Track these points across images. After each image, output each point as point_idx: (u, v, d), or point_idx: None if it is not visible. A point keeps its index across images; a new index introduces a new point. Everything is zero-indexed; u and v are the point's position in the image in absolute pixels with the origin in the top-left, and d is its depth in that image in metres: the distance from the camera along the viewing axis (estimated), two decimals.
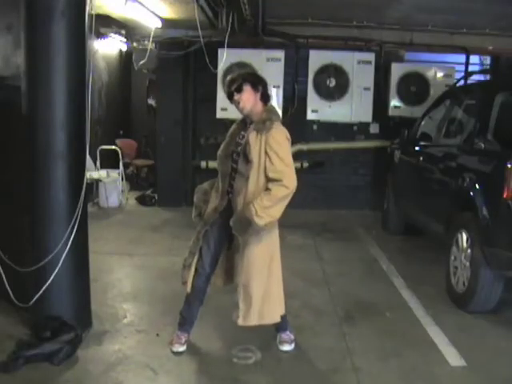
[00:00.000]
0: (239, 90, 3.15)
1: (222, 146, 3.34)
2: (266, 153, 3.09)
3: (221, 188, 3.27)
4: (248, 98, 3.17)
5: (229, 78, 3.26)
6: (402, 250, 6.15)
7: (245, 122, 3.33)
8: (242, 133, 3.27)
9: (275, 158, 3.07)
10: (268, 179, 3.10)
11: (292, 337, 3.54)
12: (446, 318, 4.10)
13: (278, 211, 3.11)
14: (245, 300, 3.23)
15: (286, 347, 3.49)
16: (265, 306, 3.25)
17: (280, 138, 3.13)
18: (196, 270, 3.34)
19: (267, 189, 3.08)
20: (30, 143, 3.42)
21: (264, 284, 3.25)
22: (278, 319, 3.36)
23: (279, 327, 3.54)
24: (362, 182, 8.36)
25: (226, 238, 3.36)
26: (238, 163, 3.20)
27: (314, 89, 7.76)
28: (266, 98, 3.24)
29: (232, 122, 3.56)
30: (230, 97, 3.21)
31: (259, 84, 3.21)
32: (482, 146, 4.38)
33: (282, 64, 7.56)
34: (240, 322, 3.26)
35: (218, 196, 3.30)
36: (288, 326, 3.56)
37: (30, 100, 3.41)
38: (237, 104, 3.19)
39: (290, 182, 3.07)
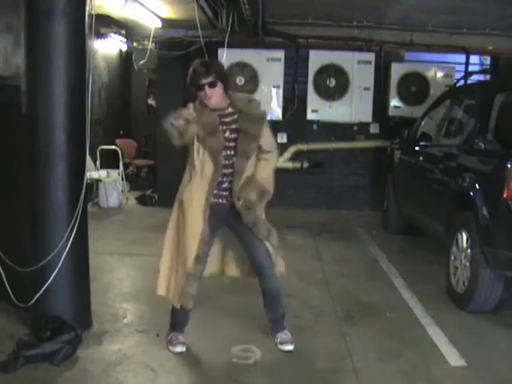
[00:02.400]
0: (213, 85, 3.14)
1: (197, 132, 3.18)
2: (257, 128, 3.25)
3: (213, 172, 3.19)
4: (219, 93, 3.18)
5: (198, 68, 3.14)
6: (402, 250, 6.15)
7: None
8: (227, 112, 3.24)
9: (269, 132, 3.36)
10: (262, 152, 3.33)
11: (290, 336, 3.53)
12: (446, 317, 4.10)
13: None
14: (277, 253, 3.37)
15: (289, 347, 3.47)
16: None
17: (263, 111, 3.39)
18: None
19: (263, 159, 3.33)
20: (30, 143, 3.42)
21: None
22: None
23: (276, 324, 3.52)
24: (362, 182, 8.37)
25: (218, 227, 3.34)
26: (237, 144, 3.21)
27: (314, 89, 7.77)
28: (227, 88, 3.27)
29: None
30: (199, 88, 3.13)
31: (227, 79, 3.27)
32: (482, 146, 4.38)
33: (282, 64, 7.57)
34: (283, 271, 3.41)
35: (205, 183, 3.20)
36: (283, 324, 3.55)
37: (29, 100, 3.41)
38: (207, 98, 3.14)
39: (276, 149, 3.44)
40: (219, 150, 3.19)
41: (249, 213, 3.27)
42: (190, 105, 3.22)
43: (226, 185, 3.27)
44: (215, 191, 3.25)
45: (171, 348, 3.41)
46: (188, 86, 3.25)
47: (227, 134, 3.22)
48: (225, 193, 3.28)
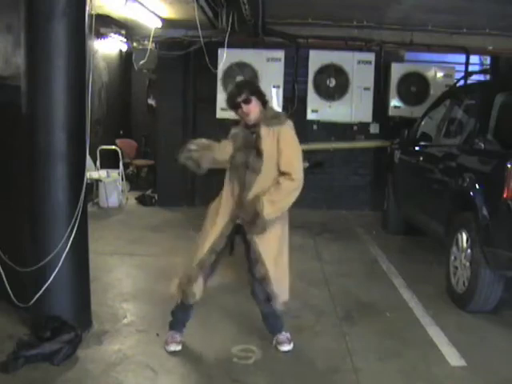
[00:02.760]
0: (247, 101, 3.25)
1: (229, 146, 3.34)
2: (277, 147, 3.20)
3: (238, 189, 3.27)
4: (255, 107, 3.27)
5: (233, 90, 3.34)
6: (402, 250, 6.15)
7: (245, 126, 3.38)
8: (250, 131, 3.33)
9: (287, 152, 3.21)
10: (279, 173, 3.21)
11: (289, 336, 3.53)
12: (446, 317, 4.10)
13: (286, 204, 3.24)
14: (275, 282, 3.29)
15: (286, 347, 3.48)
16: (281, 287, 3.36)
17: (292, 133, 3.29)
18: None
19: (277, 182, 3.19)
20: (30, 143, 3.42)
21: (274, 273, 3.29)
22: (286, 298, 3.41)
23: (274, 329, 3.53)
24: (362, 182, 8.37)
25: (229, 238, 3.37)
26: (249, 159, 3.23)
27: (314, 89, 7.77)
28: (265, 103, 3.36)
29: (233, 121, 3.59)
30: (236, 107, 3.28)
31: (261, 93, 3.34)
32: (482, 146, 4.38)
33: (282, 64, 7.57)
34: (281, 301, 3.35)
35: (232, 198, 3.30)
36: (283, 326, 3.55)
37: (29, 100, 3.40)
38: (244, 114, 3.27)
39: (299, 175, 3.19)
40: (242, 167, 3.24)
41: (250, 230, 3.25)
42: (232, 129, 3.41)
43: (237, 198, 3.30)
44: None
45: (165, 347, 3.43)
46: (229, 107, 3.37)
47: (246, 153, 3.28)
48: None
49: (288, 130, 3.26)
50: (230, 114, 3.58)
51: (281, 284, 3.33)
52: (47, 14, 3.28)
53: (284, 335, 3.52)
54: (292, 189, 3.19)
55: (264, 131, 3.24)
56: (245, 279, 3.54)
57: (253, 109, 3.26)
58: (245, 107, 3.25)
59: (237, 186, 3.28)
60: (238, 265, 3.92)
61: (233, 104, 3.29)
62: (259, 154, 3.22)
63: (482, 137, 4.39)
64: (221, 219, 3.30)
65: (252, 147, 3.25)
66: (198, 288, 3.33)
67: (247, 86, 3.41)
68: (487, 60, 9.22)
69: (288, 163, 3.19)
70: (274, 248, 3.30)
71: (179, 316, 3.49)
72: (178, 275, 3.43)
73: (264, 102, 3.33)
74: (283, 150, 3.20)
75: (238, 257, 3.52)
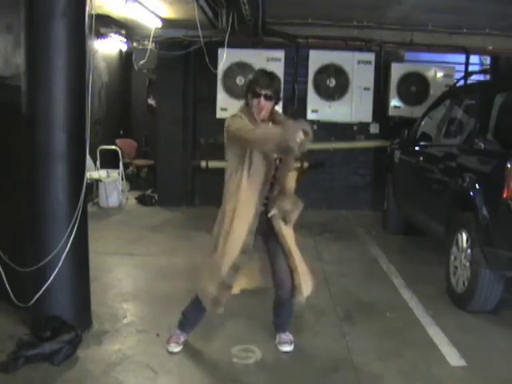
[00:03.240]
0: (269, 98, 3.16)
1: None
2: None
3: (263, 182, 3.17)
4: (270, 108, 3.20)
5: (263, 78, 3.17)
6: (402, 250, 6.15)
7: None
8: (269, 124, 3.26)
9: None
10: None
11: (291, 337, 3.54)
12: (446, 317, 4.10)
13: None
14: (303, 276, 3.29)
15: (287, 348, 3.49)
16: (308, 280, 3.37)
17: None
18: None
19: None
20: (30, 143, 3.42)
21: (301, 266, 3.32)
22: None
23: (280, 327, 3.54)
24: (362, 182, 8.37)
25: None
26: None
27: (314, 89, 7.77)
28: (276, 105, 3.32)
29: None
30: (255, 96, 3.14)
31: (279, 97, 3.27)
32: (482, 146, 4.38)
33: (282, 64, 7.56)
34: (305, 294, 3.32)
35: (254, 194, 3.17)
36: (288, 327, 3.56)
37: (29, 100, 3.40)
38: (258, 108, 3.15)
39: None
40: (272, 160, 3.18)
41: (281, 222, 3.25)
42: (242, 115, 3.19)
43: (265, 193, 3.24)
44: None
45: (167, 346, 3.40)
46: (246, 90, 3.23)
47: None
48: (264, 201, 3.24)
49: None
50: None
51: (307, 277, 3.33)
52: (47, 14, 3.28)
53: (287, 336, 3.53)
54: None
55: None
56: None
57: (268, 107, 3.18)
58: (263, 102, 3.14)
59: (259, 181, 3.17)
60: None
61: (254, 91, 3.14)
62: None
63: (482, 137, 4.39)
64: (247, 217, 3.15)
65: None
66: (229, 294, 3.20)
67: (277, 84, 3.24)
68: (487, 60, 9.22)
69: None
70: (295, 242, 3.34)
71: (193, 318, 3.42)
72: (205, 280, 3.25)
73: (276, 104, 3.27)
74: None
75: None
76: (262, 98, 3.13)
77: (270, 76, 3.20)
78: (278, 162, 3.21)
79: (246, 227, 3.15)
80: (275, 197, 3.24)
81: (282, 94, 3.31)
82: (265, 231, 3.27)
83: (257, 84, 3.16)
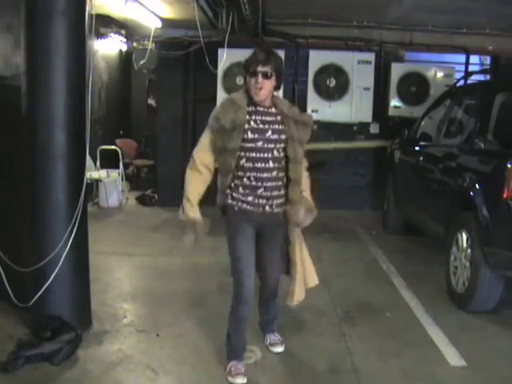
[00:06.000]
0: (267, 76, 2.90)
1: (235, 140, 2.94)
2: (307, 135, 3.12)
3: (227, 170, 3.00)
4: (270, 87, 2.95)
5: (260, 54, 2.91)
6: (402, 250, 6.15)
7: (249, 109, 2.99)
8: (270, 111, 3.03)
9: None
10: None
11: (280, 338, 3.52)
12: (446, 317, 4.10)
13: None
14: (299, 284, 3.30)
15: (279, 348, 3.47)
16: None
17: None
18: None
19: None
20: (29, 143, 3.42)
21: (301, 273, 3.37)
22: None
23: (267, 328, 3.52)
24: (362, 182, 8.37)
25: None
26: (289, 150, 3.02)
27: (314, 89, 7.76)
28: (277, 88, 3.07)
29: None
30: (252, 74, 2.90)
31: (281, 76, 3.01)
32: (482, 146, 4.38)
33: None
34: (296, 302, 3.30)
35: (254, 193, 3.00)
36: (275, 327, 3.54)
37: (29, 100, 3.41)
38: (255, 87, 2.90)
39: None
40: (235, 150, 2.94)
41: (294, 232, 3.26)
42: (235, 99, 2.98)
43: (261, 191, 3.00)
44: (250, 198, 3.00)
45: (230, 379, 3.06)
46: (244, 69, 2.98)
47: (269, 134, 2.98)
48: (261, 201, 3.02)
49: (307, 115, 3.25)
50: None
51: (302, 286, 3.33)
52: (47, 14, 3.28)
53: (277, 336, 3.52)
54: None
55: (290, 119, 3.01)
56: None
57: (268, 87, 2.92)
58: (260, 80, 2.88)
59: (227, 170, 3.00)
60: None
61: (250, 69, 2.90)
62: (298, 143, 3.03)
63: (482, 137, 4.39)
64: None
65: (272, 131, 2.98)
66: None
67: (277, 60, 2.96)
68: (487, 60, 9.22)
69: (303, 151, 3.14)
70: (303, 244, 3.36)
71: (237, 343, 3.16)
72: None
73: (278, 86, 3.01)
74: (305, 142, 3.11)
75: None
76: (260, 76, 2.87)
77: (269, 52, 2.94)
78: (267, 154, 2.99)
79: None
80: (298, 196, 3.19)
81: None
82: (264, 227, 3.12)
83: (254, 61, 2.90)
